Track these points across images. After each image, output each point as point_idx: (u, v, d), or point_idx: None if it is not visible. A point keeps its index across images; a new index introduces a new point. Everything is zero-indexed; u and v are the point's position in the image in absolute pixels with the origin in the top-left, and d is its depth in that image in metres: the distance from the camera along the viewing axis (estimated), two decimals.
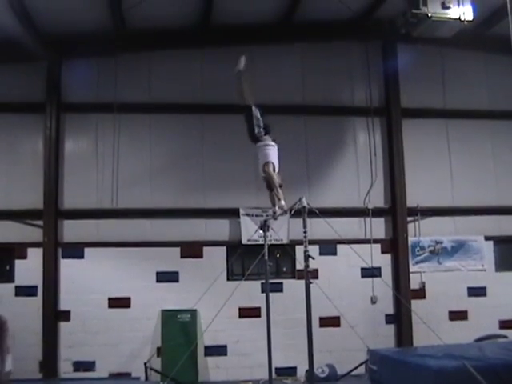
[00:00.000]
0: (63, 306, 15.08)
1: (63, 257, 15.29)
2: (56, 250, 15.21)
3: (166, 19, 15.29)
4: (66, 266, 15.24)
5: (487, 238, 16.90)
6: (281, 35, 16.33)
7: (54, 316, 14.95)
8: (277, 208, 10.83)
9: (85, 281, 15.10)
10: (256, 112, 11.09)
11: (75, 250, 15.30)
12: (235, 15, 15.45)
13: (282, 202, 10.57)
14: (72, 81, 15.73)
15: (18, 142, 15.62)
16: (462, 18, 11.02)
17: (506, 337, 14.83)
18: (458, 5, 11.01)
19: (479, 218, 16.87)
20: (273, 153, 10.97)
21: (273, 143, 11.02)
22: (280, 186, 10.75)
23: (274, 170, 10.83)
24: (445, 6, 10.93)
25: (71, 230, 15.45)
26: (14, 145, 15.57)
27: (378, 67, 17.03)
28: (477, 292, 16.60)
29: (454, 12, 10.98)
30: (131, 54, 15.97)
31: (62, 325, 15.02)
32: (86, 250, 15.33)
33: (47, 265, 15.03)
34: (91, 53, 15.82)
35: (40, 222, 15.21)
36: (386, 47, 16.99)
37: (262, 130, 11.04)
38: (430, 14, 10.89)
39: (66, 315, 15.03)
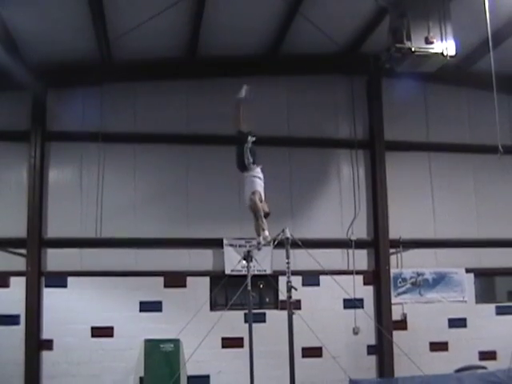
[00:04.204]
0: (46, 335, 14.94)
1: (46, 286, 15.17)
2: (39, 278, 15.08)
3: (152, 51, 15.39)
4: (49, 295, 15.13)
5: (468, 271, 17.05)
6: (266, 68, 16.49)
7: (36, 346, 14.78)
8: (261, 238, 10.79)
9: (68, 310, 14.98)
10: (250, 141, 11.08)
11: (58, 279, 15.19)
12: (221, 48, 15.59)
13: (266, 233, 10.60)
14: (57, 110, 15.73)
15: (1, 171, 15.54)
16: (445, 53, 11.22)
17: (485, 368, 14.90)
18: (441, 40, 11.23)
19: (460, 250, 17.05)
20: (260, 183, 11.02)
21: (260, 174, 11.08)
22: (267, 215, 10.81)
23: (260, 199, 10.88)
24: (428, 41, 11.13)
25: (55, 259, 15.34)
26: None
27: (363, 100, 17.23)
28: (457, 323, 16.75)
29: (437, 47, 11.18)
30: (117, 84, 16.03)
31: (45, 355, 14.85)
32: (69, 279, 15.23)
33: (30, 294, 14.88)
34: (77, 82, 15.82)
35: (23, 251, 15.10)
36: (370, 81, 17.18)
37: (251, 159, 11.05)
38: (413, 49, 11.09)
39: (48, 344, 14.88)
